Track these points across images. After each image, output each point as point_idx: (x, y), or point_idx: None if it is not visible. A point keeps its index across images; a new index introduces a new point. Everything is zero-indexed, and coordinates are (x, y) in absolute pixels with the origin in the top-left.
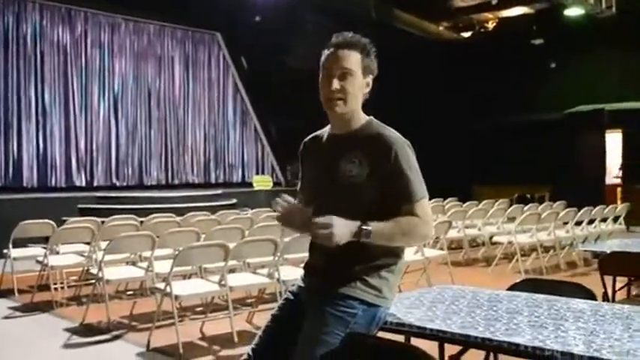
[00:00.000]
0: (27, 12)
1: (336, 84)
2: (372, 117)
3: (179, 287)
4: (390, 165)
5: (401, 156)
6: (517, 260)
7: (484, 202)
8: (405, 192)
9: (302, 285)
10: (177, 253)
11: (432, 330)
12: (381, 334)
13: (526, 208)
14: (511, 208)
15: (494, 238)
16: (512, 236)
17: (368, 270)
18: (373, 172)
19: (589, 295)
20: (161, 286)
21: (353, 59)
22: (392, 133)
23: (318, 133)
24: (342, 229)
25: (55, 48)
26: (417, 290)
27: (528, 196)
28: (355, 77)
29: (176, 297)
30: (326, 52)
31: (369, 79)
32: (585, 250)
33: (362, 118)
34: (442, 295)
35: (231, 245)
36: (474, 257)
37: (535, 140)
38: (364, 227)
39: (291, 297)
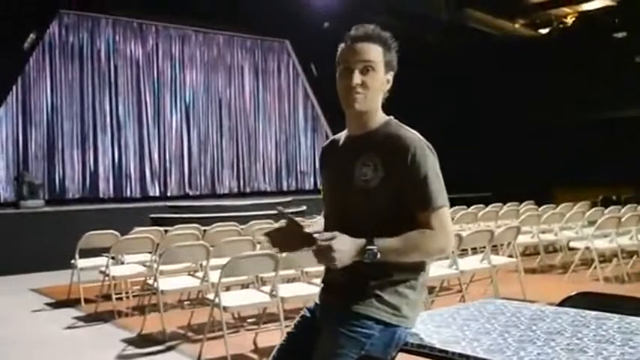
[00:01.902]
0: (100, 28)
1: (357, 78)
2: (391, 117)
3: (229, 298)
4: (406, 168)
5: (419, 158)
6: (595, 267)
7: (562, 205)
8: (420, 198)
9: (318, 302)
10: (226, 263)
11: (453, 354)
12: (402, 356)
13: (607, 211)
14: (590, 211)
15: (572, 244)
16: (589, 241)
17: (384, 286)
18: (389, 175)
19: None
20: (211, 296)
21: (375, 52)
22: (410, 134)
23: (336, 136)
24: (343, 251)
25: (128, 62)
26: (454, 306)
27: (614, 197)
28: (377, 72)
29: (225, 308)
30: (344, 46)
31: (390, 75)
32: None
33: (380, 118)
34: (480, 312)
35: (284, 254)
36: (550, 264)
37: (620, 138)
38: (369, 247)
39: (308, 314)
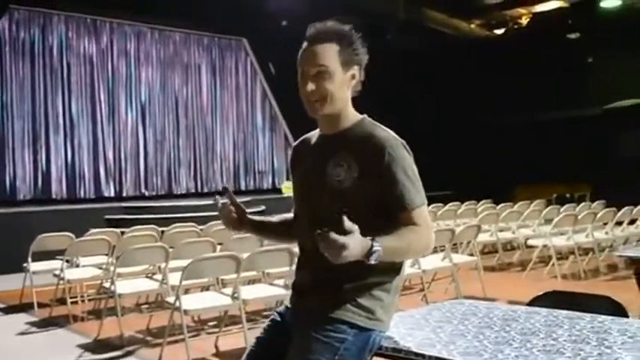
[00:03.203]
0: (52, 24)
1: (311, 85)
2: (364, 115)
3: (189, 301)
4: (382, 168)
5: (394, 158)
6: (553, 264)
7: (519, 203)
8: (399, 199)
9: (289, 306)
10: (186, 265)
11: (430, 357)
12: None
13: (563, 209)
14: (547, 210)
15: (530, 242)
16: (547, 239)
17: (359, 289)
18: (363, 176)
19: (619, 310)
20: (171, 299)
21: (328, 54)
22: (384, 133)
23: (308, 135)
24: (351, 252)
25: (82, 59)
26: (425, 307)
27: (568, 195)
28: (334, 74)
29: (186, 311)
30: (302, 47)
31: (354, 70)
32: (621, 256)
33: (353, 117)
34: (452, 313)
35: (246, 255)
36: (508, 262)
37: (574, 137)
38: (375, 249)
39: (278, 318)
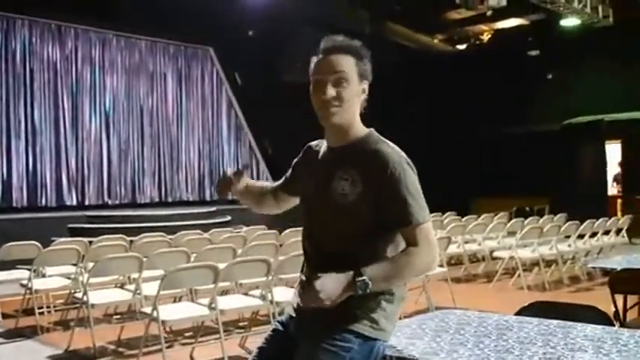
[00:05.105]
0: (16, 28)
1: (331, 91)
2: (372, 129)
3: (167, 311)
4: (385, 184)
5: (398, 174)
6: (519, 275)
7: (483, 216)
8: (402, 215)
9: (292, 315)
10: (164, 275)
11: None
12: None
13: (527, 221)
14: (511, 222)
15: (495, 253)
16: (514, 251)
17: (365, 298)
18: (367, 191)
19: (605, 319)
20: (148, 310)
21: (347, 64)
22: (390, 149)
23: (319, 141)
24: (331, 289)
25: (45, 65)
26: (418, 317)
27: (527, 208)
28: (351, 83)
29: (163, 322)
30: (316, 59)
31: (365, 85)
32: (594, 267)
33: (360, 130)
34: (445, 322)
35: (222, 266)
36: (474, 273)
37: (534, 152)
38: (359, 279)
39: (280, 328)
